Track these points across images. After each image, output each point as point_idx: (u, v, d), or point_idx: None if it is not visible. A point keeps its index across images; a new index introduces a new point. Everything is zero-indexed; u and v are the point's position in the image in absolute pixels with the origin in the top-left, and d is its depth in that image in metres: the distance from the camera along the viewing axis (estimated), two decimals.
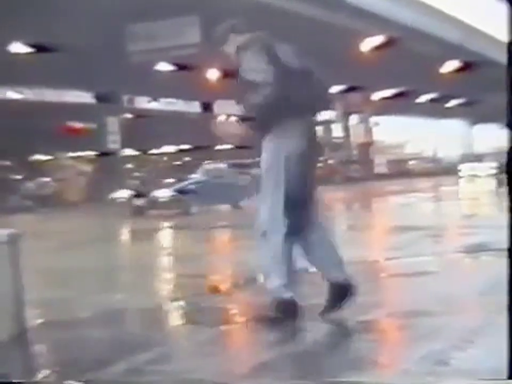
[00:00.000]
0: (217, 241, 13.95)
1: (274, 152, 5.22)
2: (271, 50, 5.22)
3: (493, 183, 30.89)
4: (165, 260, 10.89)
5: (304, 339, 4.85)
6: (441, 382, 3.92)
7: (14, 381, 3.66)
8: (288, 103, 5.15)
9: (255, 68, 5.14)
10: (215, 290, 7.46)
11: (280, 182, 5.19)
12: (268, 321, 5.15)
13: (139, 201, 24.26)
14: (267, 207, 5.24)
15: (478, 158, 44.45)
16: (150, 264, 9.78)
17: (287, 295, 5.13)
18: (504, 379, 3.05)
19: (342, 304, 5.20)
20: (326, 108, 5.80)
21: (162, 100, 43.73)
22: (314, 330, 5.07)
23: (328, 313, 5.22)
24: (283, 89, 5.11)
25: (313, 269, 5.51)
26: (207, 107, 41.66)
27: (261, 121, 5.25)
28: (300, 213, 5.26)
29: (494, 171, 37.96)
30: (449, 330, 4.84)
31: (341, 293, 5.23)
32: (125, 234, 18.18)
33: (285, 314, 5.11)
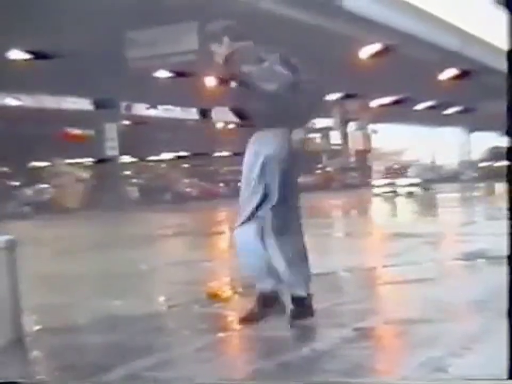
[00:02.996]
0: None
1: (256, 155, 5.29)
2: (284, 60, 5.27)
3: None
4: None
5: (301, 346, 4.84)
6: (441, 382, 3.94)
7: (14, 381, 3.66)
8: (285, 110, 5.21)
9: (272, 66, 5.17)
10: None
11: (259, 184, 5.26)
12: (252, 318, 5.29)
13: None
14: (248, 208, 5.30)
15: (401, 171, 39.33)
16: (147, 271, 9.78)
17: (267, 287, 5.30)
18: (504, 379, 3.05)
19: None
20: (314, 117, 5.81)
21: (161, 107, 43.77)
22: (311, 336, 5.07)
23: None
24: (271, 96, 5.17)
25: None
26: (205, 114, 41.70)
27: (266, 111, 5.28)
28: (279, 217, 5.30)
29: (416, 188, 35.08)
30: (448, 337, 4.85)
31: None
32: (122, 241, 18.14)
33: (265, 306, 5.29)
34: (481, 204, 23.63)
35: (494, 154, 43.74)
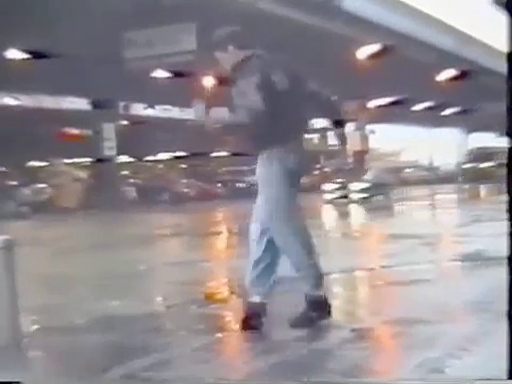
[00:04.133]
0: None
1: (269, 167, 5.34)
2: (265, 75, 5.26)
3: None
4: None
5: (299, 346, 4.85)
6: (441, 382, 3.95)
7: (13, 380, 3.66)
8: (279, 123, 5.24)
9: (247, 93, 5.17)
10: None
11: (274, 195, 5.32)
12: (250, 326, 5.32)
13: None
14: (261, 219, 5.37)
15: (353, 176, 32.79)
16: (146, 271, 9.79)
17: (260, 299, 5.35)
18: (504, 379, 3.06)
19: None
20: (335, 115, 5.84)
21: (158, 107, 43.74)
22: (309, 337, 5.08)
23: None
24: (273, 111, 5.15)
25: None
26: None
27: (250, 136, 5.39)
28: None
29: (367, 193, 29.23)
30: (445, 338, 4.86)
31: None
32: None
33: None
34: (467, 207, 23.28)
35: (479, 155, 43.28)
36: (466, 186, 35.76)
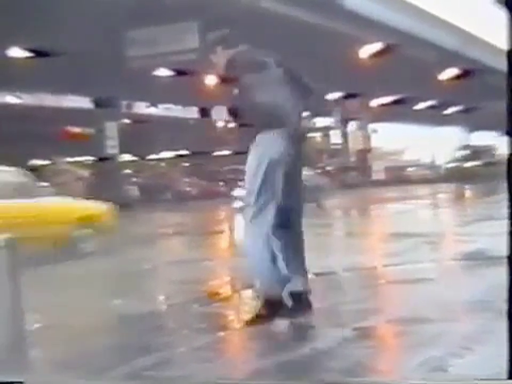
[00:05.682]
0: None
1: (260, 156, 5.39)
2: (252, 67, 5.44)
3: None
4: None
5: (302, 345, 4.85)
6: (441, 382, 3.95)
7: (14, 380, 3.67)
8: (274, 112, 5.39)
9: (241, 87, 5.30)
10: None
11: (266, 185, 5.36)
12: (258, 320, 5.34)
13: None
14: (255, 210, 5.39)
15: None
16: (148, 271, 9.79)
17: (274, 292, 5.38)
18: (504, 379, 3.06)
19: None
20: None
21: (161, 105, 43.75)
22: (311, 336, 5.08)
23: None
24: (269, 99, 5.36)
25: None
26: (205, 113, 41.75)
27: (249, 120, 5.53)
28: (286, 217, 5.42)
29: None
30: (447, 337, 4.85)
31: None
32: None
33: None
34: (465, 206, 22.97)
35: (465, 154, 42.92)
36: (452, 185, 35.34)
